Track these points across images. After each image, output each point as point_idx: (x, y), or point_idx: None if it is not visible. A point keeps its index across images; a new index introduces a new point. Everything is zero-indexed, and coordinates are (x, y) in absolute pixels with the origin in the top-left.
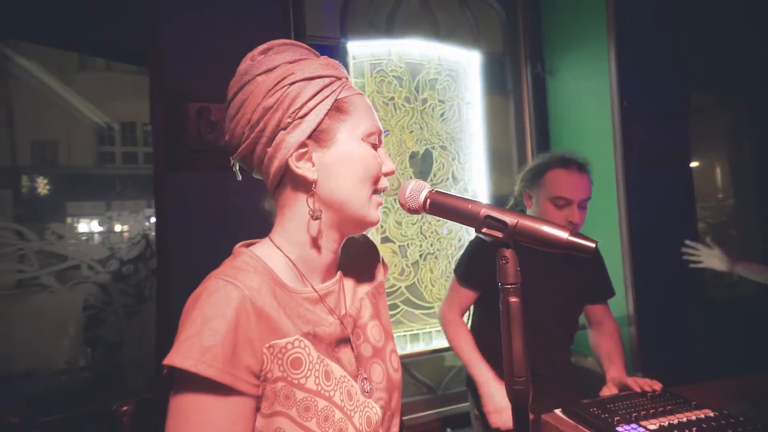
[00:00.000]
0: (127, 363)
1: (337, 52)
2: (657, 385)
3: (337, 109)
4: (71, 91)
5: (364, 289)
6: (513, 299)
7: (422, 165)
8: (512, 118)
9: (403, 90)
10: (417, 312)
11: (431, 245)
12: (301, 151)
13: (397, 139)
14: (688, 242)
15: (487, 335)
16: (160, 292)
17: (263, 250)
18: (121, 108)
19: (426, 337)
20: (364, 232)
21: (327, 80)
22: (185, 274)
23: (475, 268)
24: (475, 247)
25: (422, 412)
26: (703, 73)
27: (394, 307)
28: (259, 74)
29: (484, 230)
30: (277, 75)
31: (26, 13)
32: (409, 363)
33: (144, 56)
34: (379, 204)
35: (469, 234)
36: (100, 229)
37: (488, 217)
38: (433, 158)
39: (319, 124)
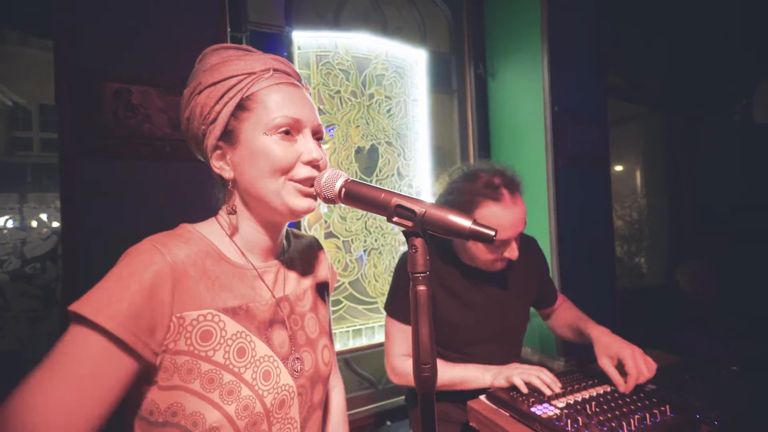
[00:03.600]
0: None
1: (280, 42)
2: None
3: (242, 107)
4: None
5: (308, 282)
6: (420, 288)
7: (368, 161)
8: (456, 116)
9: (349, 84)
10: (360, 307)
11: (375, 240)
12: (218, 152)
13: (343, 133)
14: None
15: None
16: (65, 296)
17: (207, 227)
18: (41, 89)
19: (368, 332)
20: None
21: (233, 80)
22: (100, 275)
23: (406, 297)
24: (399, 270)
25: (364, 407)
26: (629, 85)
27: (337, 303)
28: (185, 88)
29: (395, 219)
30: (192, 86)
31: None
32: (351, 358)
33: (46, 25)
34: (304, 193)
35: None
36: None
37: (399, 206)
38: (379, 154)
39: (226, 126)
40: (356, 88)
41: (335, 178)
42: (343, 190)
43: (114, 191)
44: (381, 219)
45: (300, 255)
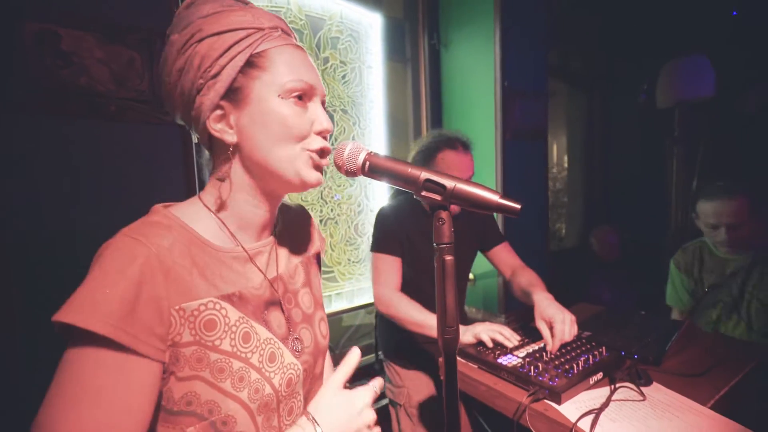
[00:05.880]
0: None
1: None
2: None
3: (252, 64)
4: None
5: (299, 257)
6: (448, 257)
7: None
8: (409, 86)
9: (303, 45)
10: None
11: (331, 210)
12: (218, 113)
13: None
14: None
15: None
16: None
17: (186, 209)
18: None
19: (325, 300)
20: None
21: (241, 33)
22: (27, 257)
23: (389, 236)
24: (382, 218)
25: None
26: (557, 65)
27: None
28: (175, 33)
29: (423, 193)
30: (187, 33)
31: None
32: None
33: None
34: (316, 165)
35: (368, 199)
36: None
37: (428, 180)
38: (334, 122)
39: (232, 82)
40: (310, 51)
41: (358, 151)
42: (367, 163)
43: (43, 155)
44: (336, 189)
45: (289, 229)
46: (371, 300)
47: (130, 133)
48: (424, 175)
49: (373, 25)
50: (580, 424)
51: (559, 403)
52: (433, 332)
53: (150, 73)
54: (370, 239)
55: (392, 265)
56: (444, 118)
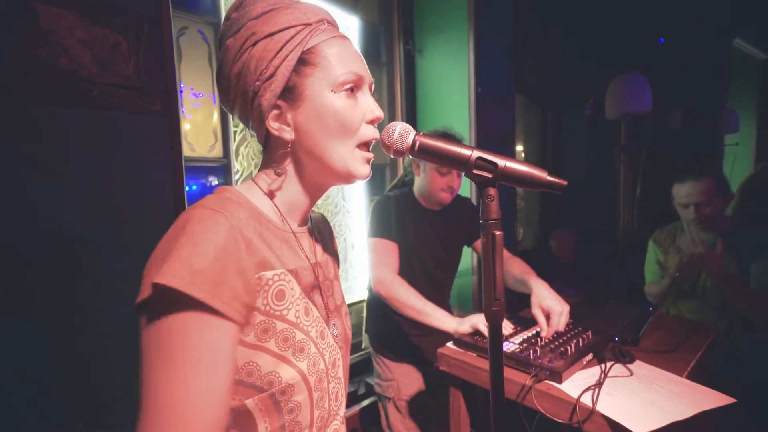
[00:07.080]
0: None
1: None
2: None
3: (303, 62)
4: None
5: (328, 252)
6: (497, 232)
7: None
8: (385, 89)
9: None
10: None
11: None
12: (275, 112)
13: None
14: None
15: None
16: None
17: (247, 189)
18: None
19: None
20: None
21: (291, 32)
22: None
23: (388, 223)
24: (380, 207)
25: None
26: (520, 78)
27: None
28: (229, 37)
29: (474, 171)
30: (241, 36)
31: None
32: None
33: None
34: (368, 159)
35: (344, 199)
36: None
37: (480, 158)
38: None
39: (287, 82)
40: None
41: (407, 132)
42: (417, 143)
43: (15, 141)
44: None
45: (318, 226)
46: (351, 300)
47: (114, 121)
48: (476, 153)
49: (349, 27)
50: (582, 400)
51: (560, 382)
52: (429, 319)
53: (136, 58)
54: (368, 228)
55: (391, 250)
56: (418, 122)
